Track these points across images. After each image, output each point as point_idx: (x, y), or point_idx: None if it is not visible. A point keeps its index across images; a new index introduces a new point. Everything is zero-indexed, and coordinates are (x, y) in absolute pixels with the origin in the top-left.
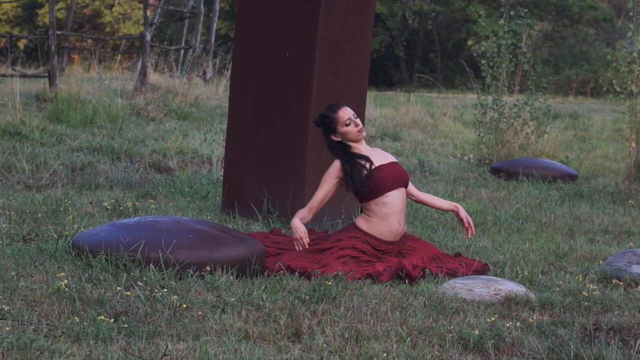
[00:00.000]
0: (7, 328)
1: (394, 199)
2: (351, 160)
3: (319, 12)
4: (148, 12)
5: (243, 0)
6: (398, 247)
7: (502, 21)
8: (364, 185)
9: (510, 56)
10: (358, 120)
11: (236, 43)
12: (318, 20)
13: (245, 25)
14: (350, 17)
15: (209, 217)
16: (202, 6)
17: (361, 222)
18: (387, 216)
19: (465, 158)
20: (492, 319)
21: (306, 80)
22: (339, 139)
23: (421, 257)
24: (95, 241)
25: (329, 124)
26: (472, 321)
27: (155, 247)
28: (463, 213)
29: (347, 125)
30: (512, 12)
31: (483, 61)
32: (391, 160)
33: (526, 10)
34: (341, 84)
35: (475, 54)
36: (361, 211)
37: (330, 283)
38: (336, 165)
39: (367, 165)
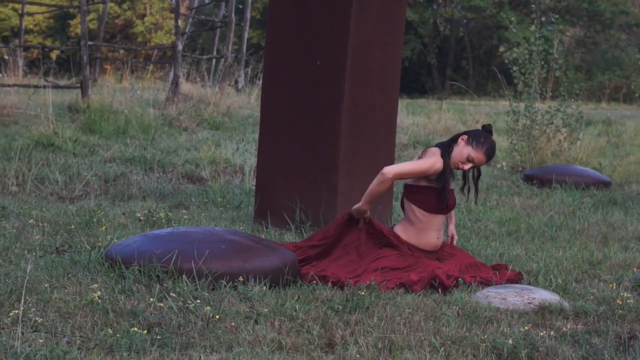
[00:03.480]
0: (41, 340)
1: (440, 219)
2: (449, 176)
3: (350, 20)
4: (179, 22)
5: (273, 9)
6: (436, 255)
7: (533, 27)
8: (446, 202)
9: (542, 62)
10: (468, 167)
11: (267, 52)
12: (349, 28)
13: (275, 34)
14: (381, 25)
15: (241, 227)
16: (233, 15)
17: (400, 231)
18: (429, 230)
19: (498, 166)
20: (526, 328)
21: (337, 89)
22: (458, 144)
23: (457, 264)
24: (128, 252)
25: (478, 141)
26: (505, 330)
27: (188, 258)
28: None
29: (468, 159)
30: (543, 18)
31: (515, 68)
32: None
33: (557, 16)
34: (372, 92)
35: (506, 61)
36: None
37: (363, 293)
38: (437, 163)
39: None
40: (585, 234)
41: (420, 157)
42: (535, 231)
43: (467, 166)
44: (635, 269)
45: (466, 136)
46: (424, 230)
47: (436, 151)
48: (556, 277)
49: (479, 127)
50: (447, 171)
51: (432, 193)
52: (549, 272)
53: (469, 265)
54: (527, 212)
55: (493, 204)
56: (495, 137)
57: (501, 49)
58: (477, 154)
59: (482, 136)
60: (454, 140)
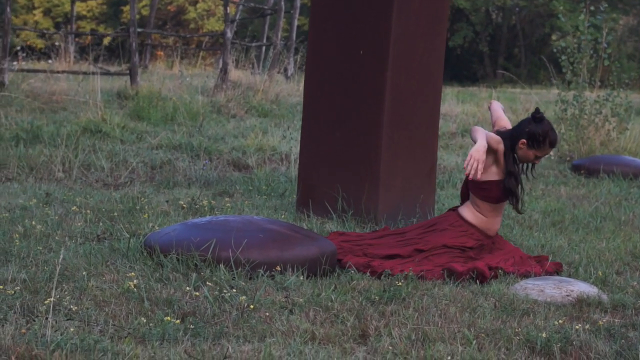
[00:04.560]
0: (72, 329)
1: (503, 205)
2: (517, 173)
3: (392, 9)
4: (229, 9)
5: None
6: (492, 241)
7: (582, 16)
8: (517, 197)
9: (591, 52)
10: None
11: (310, 42)
12: (391, 18)
13: (318, 24)
14: (424, 15)
15: (283, 216)
16: (282, 3)
17: (469, 215)
18: (496, 217)
19: (547, 155)
20: (560, 321)
21: (380, 79)
22: (519, 148)
23: (502, 256)
24: (166, 241)
25: (537, 141)
26: (540, 323)
27: (226, 247)
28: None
29: (536, 157)
30: (592, 7)
31: (563, 57)
32: None
33: (606, 5)
34: (415, 83)
35: (555, 50)
36: (463, 198)
37: (400, 284)
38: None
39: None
40: (631, 225)
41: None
42: (580, 222)
43: (538, 161)
44: None
45: (525, 140)
46: (492, 218)
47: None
48: (597, 269)
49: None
50: (515, 174)
51: (498, 186)
52: (590, 264)
53: (514, 259)
54: (572, 202)
55: (539, 193)
56: None
57: (553, 37)
58: (543, 152)
59: (538, 134)
60: (514, 143)
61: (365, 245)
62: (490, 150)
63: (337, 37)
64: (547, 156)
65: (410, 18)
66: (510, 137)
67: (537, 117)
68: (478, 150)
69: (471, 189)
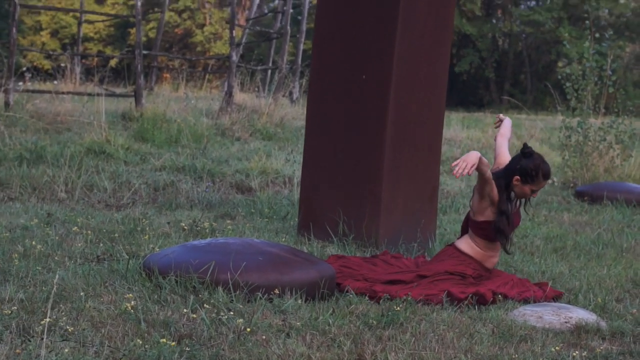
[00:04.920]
0: (67, 350)
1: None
2: (509, 213)
3: (396, 32)
4: (235, 33)
5: (320, 20)
6: (489, 272)
7: (587, 43)
8: (506, 237)
9: (596, 79)
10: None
11: (313, 65)
12: (395, 41)
13: (322, 46)
14: (427, 37)
15: (284, 239)
16: (288, 27)
17: (466, 247)
18: (494, 252)
19: (550, 181)
20: (557, 348)
21: (383, 101)
22: (514, 185)
23: (501, 282)
24: (165, 262)
25: (530, 176)
26: (537, 350)
27: (225, 269)
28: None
29: (532, 191)
30: (597, 35)
31: (568, 84)
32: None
33: (611, 32)
34: (418, 105)
35: (560, 77)
36: (462, 231)
37: (399, 308)
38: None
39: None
40: (632, 252)
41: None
42: (582, 248)
43: (535, 195)
44: None
45: (518, 177)
46: (489, 252)
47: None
48: (596, 295)
49: (533, 141)
50: (507, 213)
51: (490, 224)
52: (590, 290)
53: (514, 282)
54: (575, 228)
55: (542, 219)
56: (548, 152)
57: (560, 64)
58: (538, 185)
59: (530, 169)
60: (508, 181)
61: (366, 271)
62: (486, 192)
63: (340, 59)
64: (549, 183)
65: (414, 40)
66: (504, 176)
67: (526, 152)
68: (471, 155)
69: (470, 226)
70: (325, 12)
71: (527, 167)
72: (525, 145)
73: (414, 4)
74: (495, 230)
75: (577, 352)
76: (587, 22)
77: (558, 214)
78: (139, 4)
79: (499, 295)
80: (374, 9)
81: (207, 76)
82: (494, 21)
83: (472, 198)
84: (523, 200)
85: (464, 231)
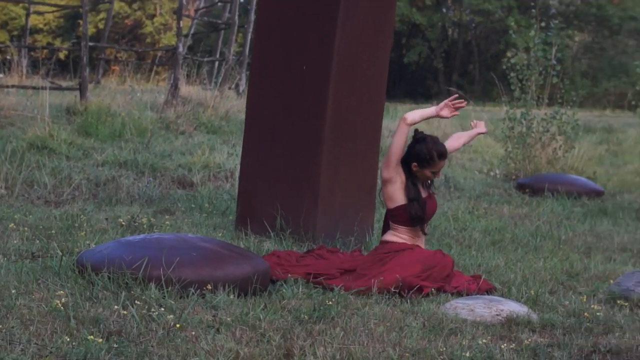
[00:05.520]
0: None
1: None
2: (419, 197)
3: (337, 25)
4: (182, 23)
5: (262, 13)
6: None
7: (532, 32)
8: (422, 222)
9: (540, 69)
10: (440, 174)
11: (254, 56)
12: (335, 33)
13: (263, 38)
14: (367, 29)
15: (221, 234)
16: (236, 17)
17: (392, 237)
18: (419, 238)
19: (492, 174)
20: (484, 341)
21: (322, 94)
22: (414, 171)
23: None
24: (98, 259)
25: (425, 160)
26: (466, 343)
27: (157, 265)
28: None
29: (432, 173)
30: (543, 24)
31: (512, 74)
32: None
33: (557, 21)
34: (358, 98)
35: (504, 67)
36: (384, 229)
37: (330, 303)
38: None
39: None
40: (570, 244)
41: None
42: (520, 241)
43: (437, 175)
44: (612, 281)
45: (415, 163)
46: (413, 239)
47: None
48: (530, 288)
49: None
50: (417, 199)
51: (405, 209)
52: (524, 283)
53: (446, 276)
54: (514, 221)
55: (481, 212)
56: (492, 144)
57: (508, 54)
58: (436, 167)
59: (424, 154)
60: (408, 168)
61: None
62: (397, 175)
63: (281, 52)
64: (491, 175)
65: (354, 33)
66: (404, 164)
67: (418, 137)
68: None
69: (388, 217)
70: (267, 1)
71: (421, 152)
72: (416, 131)
73: None
74: (410, 217)
75: (505, 344)
76: (532, 10)
77: (498, 207)
78: None
79: (432, 289)
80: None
81: (155, 68)
82: (444, 10)
83: (381, 190)
84: (429, 182)
85: (385, 229)
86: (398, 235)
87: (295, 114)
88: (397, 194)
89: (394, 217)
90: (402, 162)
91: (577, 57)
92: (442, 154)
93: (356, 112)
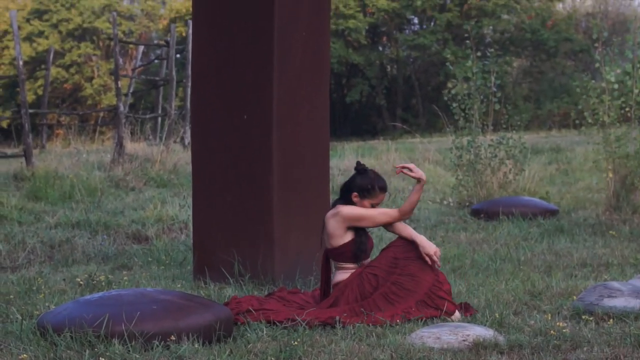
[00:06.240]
0: None
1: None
2: (362, 232)
3: (273, 71)
4: (122, 83)
5: (196, 63)
6: None
7: (469, 62)
8: (365, 253)
9: (482, 97)
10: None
11: (193, 106)
12: (272, 80)
13: (200, 87)
14: (305, 74)
15: (180, 285)
16: (174, 73)
17: (343, 276)
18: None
19: (445, 202)
20: None
21: (266, 141)
22: (354, 202)
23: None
24: (59, 320)
25: (366, 190)
26: None
27: (119, 321)
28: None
29: (372, 205)
30: (479, 53)
31: (455, 104)
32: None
33: (492, 49)
34: (302, 143)
35: (446, 98)
36: (325, 273)
37: (296, 343)
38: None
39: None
40: (530, 264)
41: (334, 214)
42: (480, 266)
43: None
44: (575, 297)
45: (355, 193)
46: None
47: (341, 207)
48: (494, 311)
49: (427, 164)
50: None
51: (352, 245)
52: (488, 306)
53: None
54: (472, 247)
55: (439, 241)
56: (442, 173)
57: (449, 84)
58: (376, 199)
59: (366, 184)
60: (347, 198)
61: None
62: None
63: (220, 103)
64: (445, 204)
65: (292, 79)
66: (342, 196)
67: (359, 169)
68: (432, 246)
69: (333, 257)
70: (200, 52)
71: (362, 183)
72: (358, 163)
73: (288, 40)
74: (357, 248)
75: None
76: (467, 42)
77: (455, 234)
78: (21, 63)
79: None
80: (248, 47)
81: (98, 129)
82: (380, 48)
83: (323, 232)
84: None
85: (325, 272)
86: (348, 272)
87: (241, 162)
88: (346, 232)
89: (339, 254)
90: (342, 192)
91: (518, 82)
92: (383, 187)
93: (302, 157)
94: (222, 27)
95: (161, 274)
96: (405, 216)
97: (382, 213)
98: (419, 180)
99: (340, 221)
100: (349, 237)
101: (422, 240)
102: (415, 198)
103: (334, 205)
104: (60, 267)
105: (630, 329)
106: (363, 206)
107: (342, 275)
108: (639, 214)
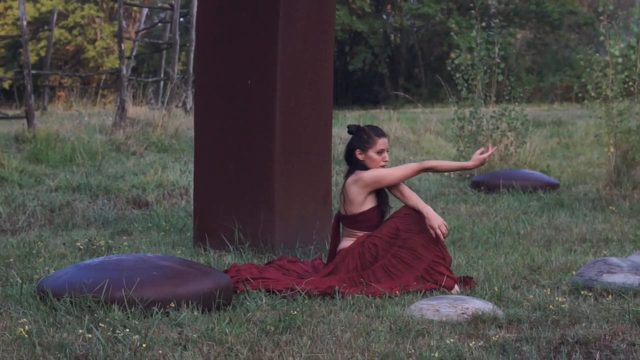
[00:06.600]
0: None
1: None
2: (384, 200)
3: (277, 36)
4: (124, 46)
5: (201, 29)
6: None
7: (474, 33)
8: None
9: (485, 68)
10: (387, 156)
11: (197, 73)
12: (277, 45)
13: (204, 54)
14: (310, 40)
15: (180, 252)
16: (177, 36)
17: (348, 243)
18: None
19: (446, 174)
20: (452, 340)
21: (269, 107)
22: (361, 159)
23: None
24: (59, 284)
25: (364, 140)
26: (434, 343)
27: (119, 287)
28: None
29: (378, 153)
30: (483, 24)
31: (458, 74)
32: None
33: (497, 20)
34: (305, 109)
35: (449, 68)
36: (334, 238)
37: (295, 312)
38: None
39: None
40: (529, 238)
41: (355, 180)
42: (479, 238)
43: (387, 156)
44: (574, 272)
45: (357, 149)
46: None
47: (362, 172)
48: (493, 285)
49: (428, 135)
50: (382, 194)
51: (375, 212)
52: (487, 280)
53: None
54: (472, 219)
55: (439, 212)
56: (444, 144)
57: (452, 55)
58: (380, 146)
59: (363, 135)
60: (354, 161)
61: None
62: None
63: (225, 68)
64: (445, 175)
65: (296, 44)
66: (348, 162)
67: (352, 130)
68: (438, 219)
69: (348, 225)
70: (205, 18)
71: (359, 138)
72: (349, 126)
73: (293, 5)
74: (382, 211)
75: (473, 342)
76: (472, 12)
77: (455, 206)
78: (25, 23)
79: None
80: (254, 13)
81: (100, 92)
82: (384, 17)
83: (343, 199)
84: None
85: (335, 236)
86: (355, 240)
87: (244, 128)
88: (367, 199)
89: (356, 221)
90: (347, 159)
91: (521, 54)
92: (380, 132)
93: (305, 123)
94: None
95: (161, 240)
96: (426, 169)
97: (402, 166)
98: (472, 165)
99: (362, 186)
100: (368, 204)
101: (428, 211)
102: (449, 165)
103: (349, 173)
104: (60, 231)
105: (629, 305)
106: (369, 158)
107: (347, 242)
108: None
